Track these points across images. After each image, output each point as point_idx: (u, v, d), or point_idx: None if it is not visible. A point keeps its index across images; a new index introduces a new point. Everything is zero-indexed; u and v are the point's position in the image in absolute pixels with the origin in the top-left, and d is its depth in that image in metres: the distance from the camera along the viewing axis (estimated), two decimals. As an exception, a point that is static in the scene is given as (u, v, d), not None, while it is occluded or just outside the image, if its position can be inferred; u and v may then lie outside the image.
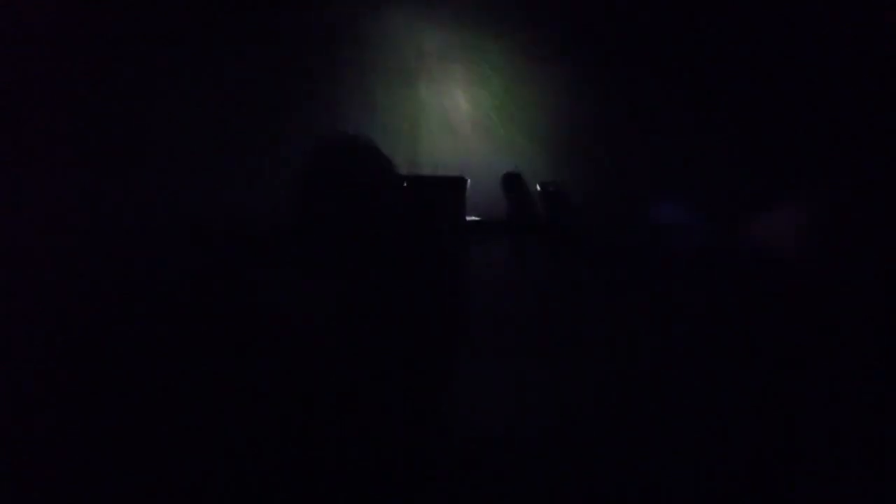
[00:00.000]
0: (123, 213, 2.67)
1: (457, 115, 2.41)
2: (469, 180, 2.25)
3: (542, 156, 2.48)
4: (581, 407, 2.50)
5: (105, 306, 2.60)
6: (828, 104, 2.74)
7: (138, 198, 2.67)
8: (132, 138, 2.68)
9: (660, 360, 2.56)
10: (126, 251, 2.62)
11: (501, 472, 2.44)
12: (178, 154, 2.60)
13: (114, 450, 2.45)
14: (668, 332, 2.58)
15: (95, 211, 2.68)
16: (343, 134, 2.20)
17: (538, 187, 2.40)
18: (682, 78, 2.64)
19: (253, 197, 2.40)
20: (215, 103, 2.57)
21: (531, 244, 2.38)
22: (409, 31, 2.67)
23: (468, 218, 2.27)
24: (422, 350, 2.24)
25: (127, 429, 2.49)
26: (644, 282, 2.53)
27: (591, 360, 2.51)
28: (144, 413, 2.49)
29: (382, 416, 2.37)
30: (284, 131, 2.42)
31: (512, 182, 2.38)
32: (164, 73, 2.68)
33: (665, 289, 2.55)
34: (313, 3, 2.63)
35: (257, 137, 2.48)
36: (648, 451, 2.51)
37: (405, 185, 2.20)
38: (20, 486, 2.40)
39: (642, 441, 2.53)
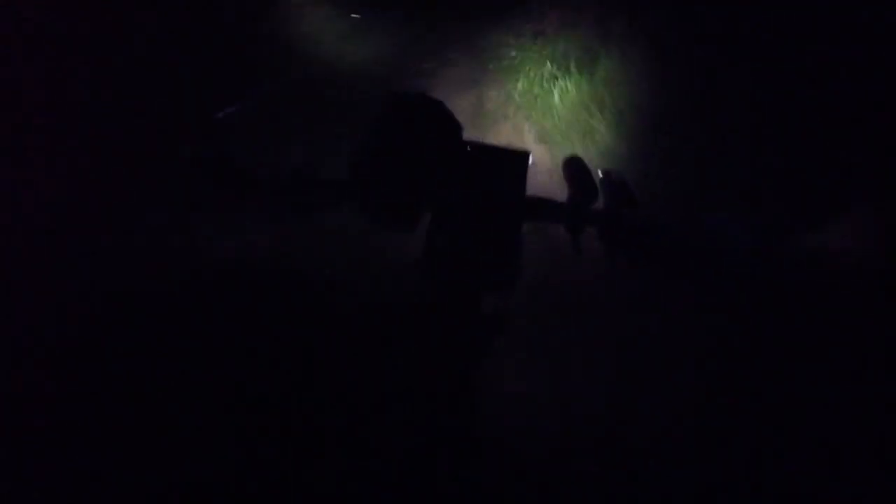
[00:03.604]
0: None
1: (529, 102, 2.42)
2: (532, 155, 2.22)
3: (609, 146, 2.47)
4: (624, 397, 2.44)
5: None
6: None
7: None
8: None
9: (704, 360, 2.49)
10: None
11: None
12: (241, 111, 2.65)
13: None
14: (713, 334, 2.52)
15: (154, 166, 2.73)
16: (414, 92, 2.21)
17: (600, 174, 2.36)
18: (761, 95, 2.61)
19: (317, 150, 2.43)
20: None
21: (587, 230, 2.33)
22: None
23: (528, 195, 2.24)
24: (465, 316, 2.19)
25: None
26: (694, 284, 2.48)
27: (635, 353, 2.46)
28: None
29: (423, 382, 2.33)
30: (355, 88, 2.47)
31: (573, 167, 2.34)
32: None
33: (714, 294, 2.49)
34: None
35: (326, 93, 2.53)
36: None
37: (468, 149, 2.18)
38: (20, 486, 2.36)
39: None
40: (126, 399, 2.51)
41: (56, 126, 2.80)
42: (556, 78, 2.57)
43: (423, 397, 2.31)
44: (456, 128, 2.17)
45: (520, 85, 2.55)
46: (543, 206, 2.27)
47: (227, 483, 2.35)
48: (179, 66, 2.77)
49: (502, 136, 2.41)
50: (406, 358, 2.37)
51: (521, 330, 2.38)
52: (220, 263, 2.64)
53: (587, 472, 2.38)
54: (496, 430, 2.39)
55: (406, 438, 2.32)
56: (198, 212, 2.68)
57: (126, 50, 2.82)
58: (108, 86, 2.79)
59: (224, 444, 2.43)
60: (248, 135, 2.65)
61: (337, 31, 2.67)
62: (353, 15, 2.53)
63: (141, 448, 2.42)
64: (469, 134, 2.21)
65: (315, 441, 2.41)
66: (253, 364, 2.55)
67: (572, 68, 2.58)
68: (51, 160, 2.77)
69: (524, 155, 2.19)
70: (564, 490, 2.35)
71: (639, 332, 2.49)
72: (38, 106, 2.81)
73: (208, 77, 2.76)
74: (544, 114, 2.52)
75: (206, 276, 2.64)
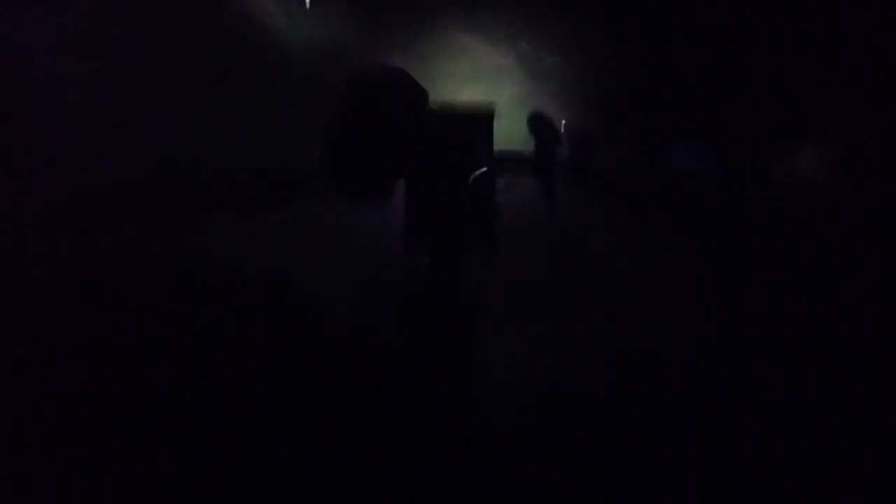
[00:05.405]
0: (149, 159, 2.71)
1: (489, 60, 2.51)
2: (496, 106, 2.32)
3: (568, 97, 2.58)
4: (603, 340, 2.54)
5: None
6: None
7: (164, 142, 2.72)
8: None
9: (675, 294, 2.60)
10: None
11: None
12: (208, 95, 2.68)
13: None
14: (684, 265, 2.63)
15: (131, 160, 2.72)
16: (376, 65, 2.29)
17: (563, 126, 2.47)
18: (701, 31, 2.75)
19: (289, 128, 2.47)
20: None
21: (557, 180, 2.44)
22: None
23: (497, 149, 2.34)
24: (446, 283, 2.27)
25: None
26: (662, 217, 2.60)
27: (612, 295, 2.56)
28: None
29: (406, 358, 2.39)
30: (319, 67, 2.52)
31: (538, 121, 2.46)
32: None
33: (681, 223, 2.62)
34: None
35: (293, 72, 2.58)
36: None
37: (434, 111, 2.26)
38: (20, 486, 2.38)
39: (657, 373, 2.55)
40: (123, 399, 2.51)
41: (55, 126, 2.81)
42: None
43: (420, 384, 2.37)
44: (421, 93, 2.25)
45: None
46: (513, 158, 2.37)
47: (225, 483, 2.38)
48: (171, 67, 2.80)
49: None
50: (402, 341, 2.42)
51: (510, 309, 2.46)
52: (216, 264, 2.66)
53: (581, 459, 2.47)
54: (487, 420, 2.48)
55: (403, 425, 2.37)
56: (191, 214, 2.71)
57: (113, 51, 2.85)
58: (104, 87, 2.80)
59: (222, 443, 2.45)
60: (222, 131, 2.68)
61: (294, 21, 2.73)
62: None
63: (139, 449, 2.43)
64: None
65: (313, 430, 2.43)
66: (248, 357, 2.56)
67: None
68: (50, 160, 2.76)
69: (490, 108, 2.29)
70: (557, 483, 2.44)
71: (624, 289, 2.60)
72: (37, 105, 2.79)
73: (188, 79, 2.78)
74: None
75: (202, 277, 2.66)
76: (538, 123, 2.42)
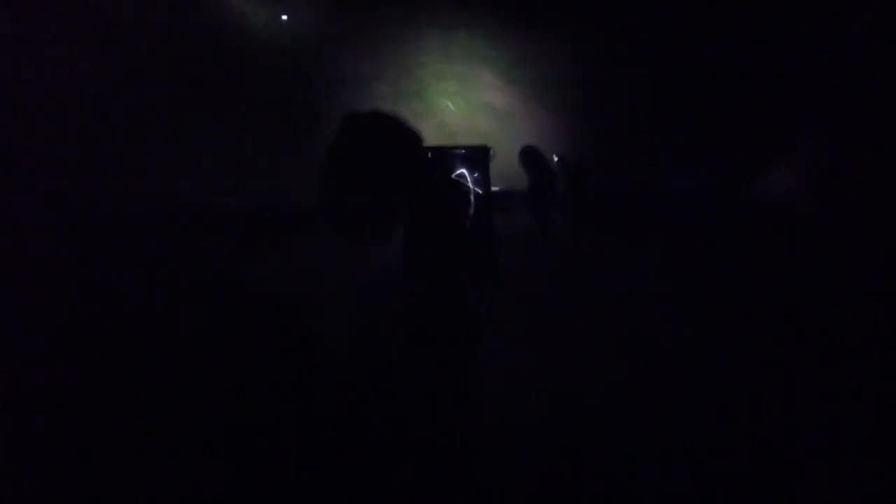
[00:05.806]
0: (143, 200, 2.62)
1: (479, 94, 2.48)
2: (493, 149, 2.28)
3: (559, 130, 2.57)
4: (602, 368, 2.53)
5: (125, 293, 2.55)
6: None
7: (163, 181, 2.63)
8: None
9: (672, 323, 2.62)
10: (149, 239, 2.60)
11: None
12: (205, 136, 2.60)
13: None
14: (679, 292, 2.65)
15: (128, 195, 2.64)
16: (369, 110, 2.24)
17: (555, 159, 2.46)
18: (687, 57, 2.77)
19: (283, 175, 2.41)
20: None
21: (552, 212, 2.42)
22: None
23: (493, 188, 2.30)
24: (447, 321, 2.23)
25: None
26: (657, 245, 2.63)
27: (610, 323, 2.56)
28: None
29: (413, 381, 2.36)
30: (314, 110, 2.45)
31: (530, 155, 2.44)
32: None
33: (675, 251, 2.64)
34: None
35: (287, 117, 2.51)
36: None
37: (430, 155, 2.22)
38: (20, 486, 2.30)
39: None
40: (125, 401, 2.47)
41: (57, 128, 2.73)
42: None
43: (419, 398, 2.32)
44: (415, 136, 2.21)
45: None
46: (509, 196, 2.34)
47: (226, 483, 2.33)
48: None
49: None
50: (401, 362, 2.38)
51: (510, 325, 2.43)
52: (216, 265, 2.61)
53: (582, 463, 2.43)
54: (488, 426, 2.44)
55: (403, 440, 2.34)
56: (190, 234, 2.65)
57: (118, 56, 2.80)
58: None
59: (224, 444, 2.40)
60: (221, 166, 2.64)
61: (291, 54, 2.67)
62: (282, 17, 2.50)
63: (139, 449, 2.38)
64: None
65: (314, 430, 2.39)
66: (249, 358, 2.51)
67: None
68: (50, 163, 2.73)
69: (485, 150, 2.25)
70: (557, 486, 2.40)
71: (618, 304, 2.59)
72: (39, 107, 2.76)
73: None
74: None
75: (202, 277, 2.61)
76: (531, 158, 2.40)
